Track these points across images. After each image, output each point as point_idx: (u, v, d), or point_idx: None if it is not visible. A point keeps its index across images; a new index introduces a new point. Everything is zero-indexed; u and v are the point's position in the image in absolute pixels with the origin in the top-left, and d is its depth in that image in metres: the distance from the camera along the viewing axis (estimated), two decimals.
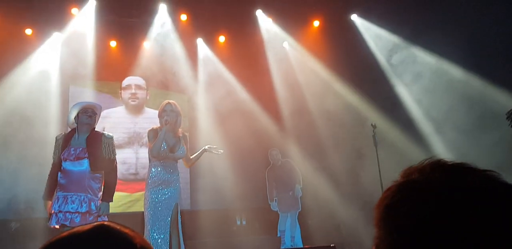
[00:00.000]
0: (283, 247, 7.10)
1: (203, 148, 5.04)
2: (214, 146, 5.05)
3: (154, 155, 4.64)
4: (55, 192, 4.32)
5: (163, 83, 8.15)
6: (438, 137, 7.23)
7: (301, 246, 7.16)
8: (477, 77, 6.71)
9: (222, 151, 5.07)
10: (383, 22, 7.87)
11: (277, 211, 7.47)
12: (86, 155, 4.31)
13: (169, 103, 4.84)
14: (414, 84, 7.57)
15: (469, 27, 6.31)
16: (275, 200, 7.47)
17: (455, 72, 7.20)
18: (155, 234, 4.49)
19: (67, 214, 4.16)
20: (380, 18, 7.91)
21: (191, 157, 5.03)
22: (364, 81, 7.79)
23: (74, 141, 4.39)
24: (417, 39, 7.47)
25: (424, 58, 7.57)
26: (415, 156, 7.02)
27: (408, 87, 7.72)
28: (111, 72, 7.92)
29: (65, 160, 4.29)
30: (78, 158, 4.30)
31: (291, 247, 7.03)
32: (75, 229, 0.79)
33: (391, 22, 7.65)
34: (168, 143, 4.71)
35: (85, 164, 4.30)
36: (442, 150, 6.98)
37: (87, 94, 7.97)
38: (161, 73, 8.06)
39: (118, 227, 0.79)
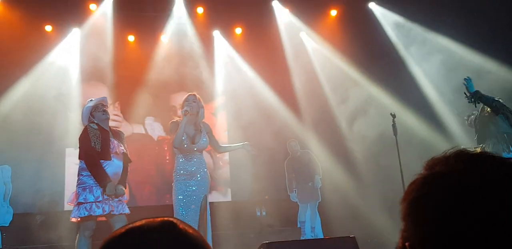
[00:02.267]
0: (303, 238, 7.13)
1: (243, 143, 4.98)
2: (250, 147, 4.97)
3: (176, 146, 4.60)
4: (91, 182, 4.33)
5: (181, 77, 8.19)
6: (457, 124, 7.16)
7: (322, 237, 7.18)
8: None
9: (254, 152, 5.02)
10: (402, 10, 7.77)
11: (297, 202, 7.50)
12: (124, 150, 4.55)
13: (192, 94, 4.78)
14: (434, 72, 7.48)
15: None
16: (295, 191, 7.49)
17: (476, 59, 7.10)
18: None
19: (112, 202, 4.33)
20: (398, 5, 7.82)
21: (223, 145, 5.07)
22: (383, 70, 7.72)
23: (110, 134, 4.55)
24: (436, 26, 7.37)
25: (444, 46, 7.46)
26: (437, 145, 6.97)
27: (428, 76, 7.63)
28: (129, 66, 7.99)
29: (112, 153, 4.42)
30: (120, 152, 4.50)
31: (312, 238, 7.05)
32: (142, 223, 0.84)
33: (410, 9, 7.56)
34: (188, 134, 4.65)
35: (123, 157, 4.52)
36: (463, 139, 6.91)
37: (106, 89, 8.08)
38: (179, 67, 8.10)
39: (183, 224, 0.86)
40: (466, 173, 0.79)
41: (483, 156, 0.82)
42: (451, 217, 0.75)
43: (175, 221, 0.86)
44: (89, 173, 4.33)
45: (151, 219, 0.86)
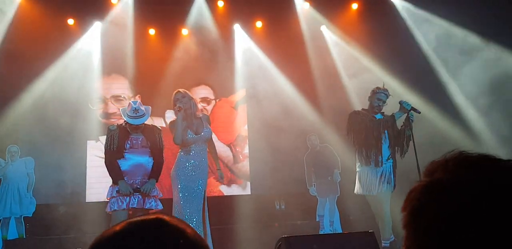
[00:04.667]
0: (321, 232, 7.13)
1: (218, 173, 5.02)
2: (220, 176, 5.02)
3: (177, 143, 4.69)
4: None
5: (201, 70, 8.21)
6: (478, 119, 7.05)
7: (340, 231, 7.17)
8: None
9: (222, 179, 5.07)
10: (427, 4, 7.64)
11: (316, 196, 7.49)
12: (148, 144, 4.68)
13: (178, 91, 4.84)
14: (459, 69, 7.34)
15: None
16: (314, 185, 7.49)
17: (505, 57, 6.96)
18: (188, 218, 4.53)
19: (139, 195, 4.57)
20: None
21: (212, 147, 5.05)
22: (405, 65, 7.61)
23: (132, 132, 4.68)
24: (461, 21, 7.23)
25: (472, 42, 7.30)
26: (452, 137, 6.89)
27: (452, 73, 7.49)
28: (150, 60, 8.04)
29: (127, 150, 4.61)
30: (141, 146, 4.65)
31: (330, 232, 7.04)
32: (133, 221, 0.81)
33: (436, 4, 7.42)
34: (190, 127, 4.73)
35: (149, 151, 4.68)
36: (487, 137, 6.81)
37: (127, 82, 8.15)
38: (199, 61, 8.12)
39: (174, 220, 0.82)
40: (465, 181, 0.75)
41: (483, 160, 0.79)
42: (453, 227, 0.72)
43: (166, 218, 0.81)
44: None
45: (140, 218, 0.81)
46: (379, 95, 5.22)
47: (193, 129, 4.74)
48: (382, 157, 5.09)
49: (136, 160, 4.63)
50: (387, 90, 5.27)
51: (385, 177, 5.04)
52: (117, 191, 4.49)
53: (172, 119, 4.87)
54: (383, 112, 5.35)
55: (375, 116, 5.24)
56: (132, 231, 0.78)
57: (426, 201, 0.78)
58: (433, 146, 5.76)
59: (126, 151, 4.60)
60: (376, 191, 5.04)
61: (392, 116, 5.23)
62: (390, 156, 5.15)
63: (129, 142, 4.62)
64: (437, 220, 0.74)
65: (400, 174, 5.30)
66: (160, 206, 4.68)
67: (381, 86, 5.33)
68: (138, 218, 0.81)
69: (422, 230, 0.77)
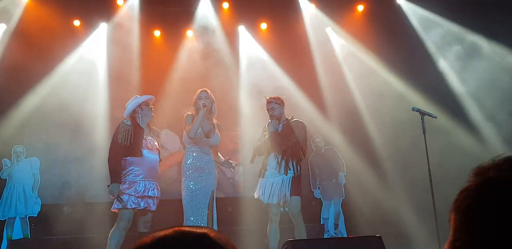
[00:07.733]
0: (326, 235, 7.10)
1: (224, 161, 4.95)
2: (232, 162, 4.93)
3: (190, 136, 4.67)
4: (130, 176, 4.49)
5: (206, 72, 8.21)
6: (486, 121, 7.01)
7: (345, 234, 7.14)
8: None
9: (235, 165, 4.97)
10: (431, 5, 7.62)
11: (320, 198, 7.46)
12: (159, 146, 4.74)
13: (204, 90, 4.89)
14: (465, 70, 7.31)
15: None
16: (318, 187, 7.46)
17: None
18: (193, 220, 4.54)
19: (148, 199, 4.51)
20: (429, 1, 7.66)
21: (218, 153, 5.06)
22: (411, 66, 7.59)
23: (146, 131, 4.68)
24: (468, 22, 7.20)
25: (477, 43, 7.27)
26: (465, 143, 6.84)
27: (458, 74, 7.46)
28: (155, 61, 8.05)
29: (145, 149, 4.57)
30: (155, 148, 4.67)
31: (335, 235, 7.01)
32: (181, 230, 0.82)
33: (440, 5, 7.40)
34: (203, 128, 4.75)
35: (157, 154, 4.69)
36: (492, 136, 6.77)
37: (134, 84, 8.15)
38: (204, 63, 8.12)
39: (219, 238, 0.82)
40: None
41: None
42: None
43: (211, 234, 0.82)
44: (130, 168, 4.50)
45: (188, 230, 0.82)
46: (269, 104, 5.09)
47: (204, 130, 4.76)
48: (276, 168, 4.93)
49: (153, 160, 4.61)
50: (276, 98, 5.12)
51: (280, 187, 4.95)
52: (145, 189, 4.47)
53: (188, 113, 4.85)
54: (291, 119, 5.16)
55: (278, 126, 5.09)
56: (178, 240, 0.79)
57: (482, 199, 0.77)
58: (444, 154, 5.74)
59: (144, 149, 4.55)
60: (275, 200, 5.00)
61: (289, 123, 5.09)
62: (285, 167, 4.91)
63: (144, 141, 4.59)
64: (496, 219, 0.73)
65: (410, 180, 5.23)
66: (155, 208, 4.66)
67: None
68: (186, 229, 0.82)
69: (479, 230, 0.75)
